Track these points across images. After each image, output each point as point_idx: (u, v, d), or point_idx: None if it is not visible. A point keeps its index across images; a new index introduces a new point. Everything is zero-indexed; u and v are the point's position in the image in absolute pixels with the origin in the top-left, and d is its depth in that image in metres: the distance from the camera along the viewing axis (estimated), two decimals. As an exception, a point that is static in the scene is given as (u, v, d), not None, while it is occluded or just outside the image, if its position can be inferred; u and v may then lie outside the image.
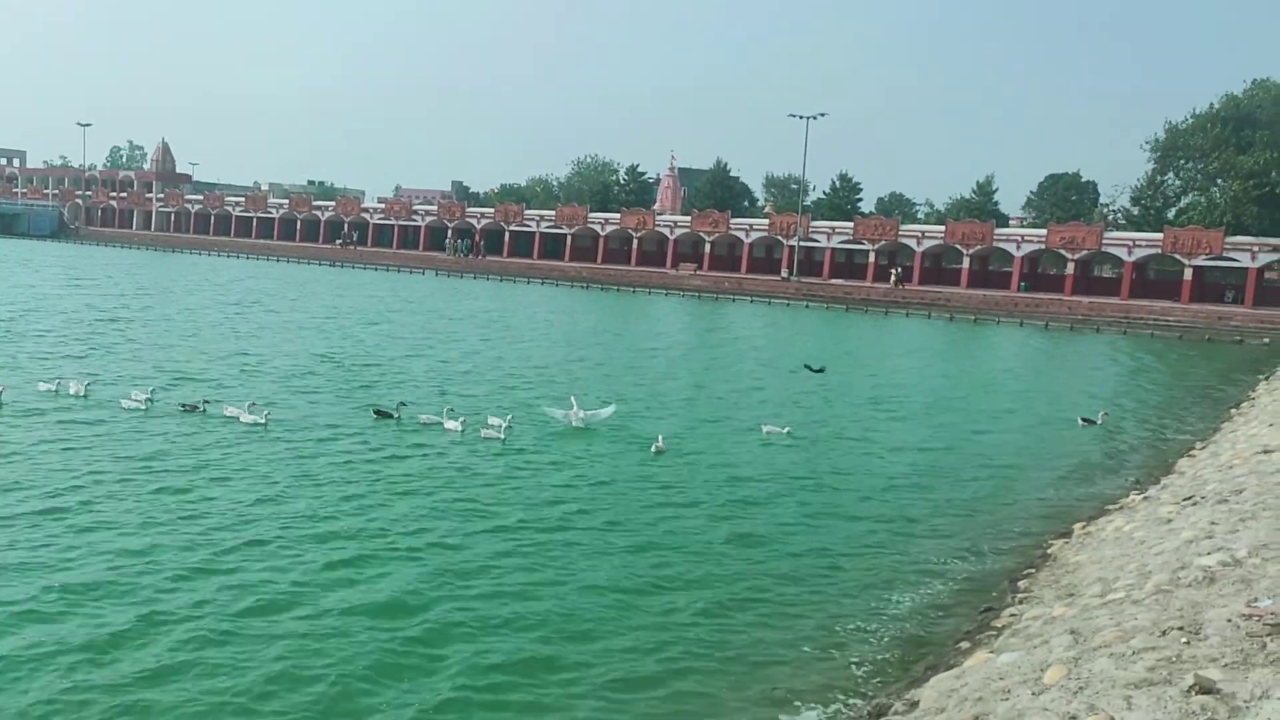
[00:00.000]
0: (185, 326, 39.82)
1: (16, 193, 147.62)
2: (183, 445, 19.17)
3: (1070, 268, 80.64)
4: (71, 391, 22.83)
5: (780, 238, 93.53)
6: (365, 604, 11.94)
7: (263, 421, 20.91)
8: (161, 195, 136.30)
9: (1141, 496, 17.88)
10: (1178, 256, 76.26)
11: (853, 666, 11.13)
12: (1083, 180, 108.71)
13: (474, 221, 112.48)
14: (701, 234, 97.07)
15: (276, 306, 51.69)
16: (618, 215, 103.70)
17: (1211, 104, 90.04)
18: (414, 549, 14.05)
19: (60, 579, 12.10)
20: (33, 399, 22.43)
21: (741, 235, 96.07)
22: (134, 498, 15.62)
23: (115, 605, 11.52)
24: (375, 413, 22.77)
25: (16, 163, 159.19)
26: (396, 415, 22.51)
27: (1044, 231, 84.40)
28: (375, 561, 13.49)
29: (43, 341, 32.72)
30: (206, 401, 22.40)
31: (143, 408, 21.91)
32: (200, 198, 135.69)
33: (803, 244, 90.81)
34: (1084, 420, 27.45)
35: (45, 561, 12.72)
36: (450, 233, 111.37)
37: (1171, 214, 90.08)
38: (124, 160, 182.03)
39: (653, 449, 20.55)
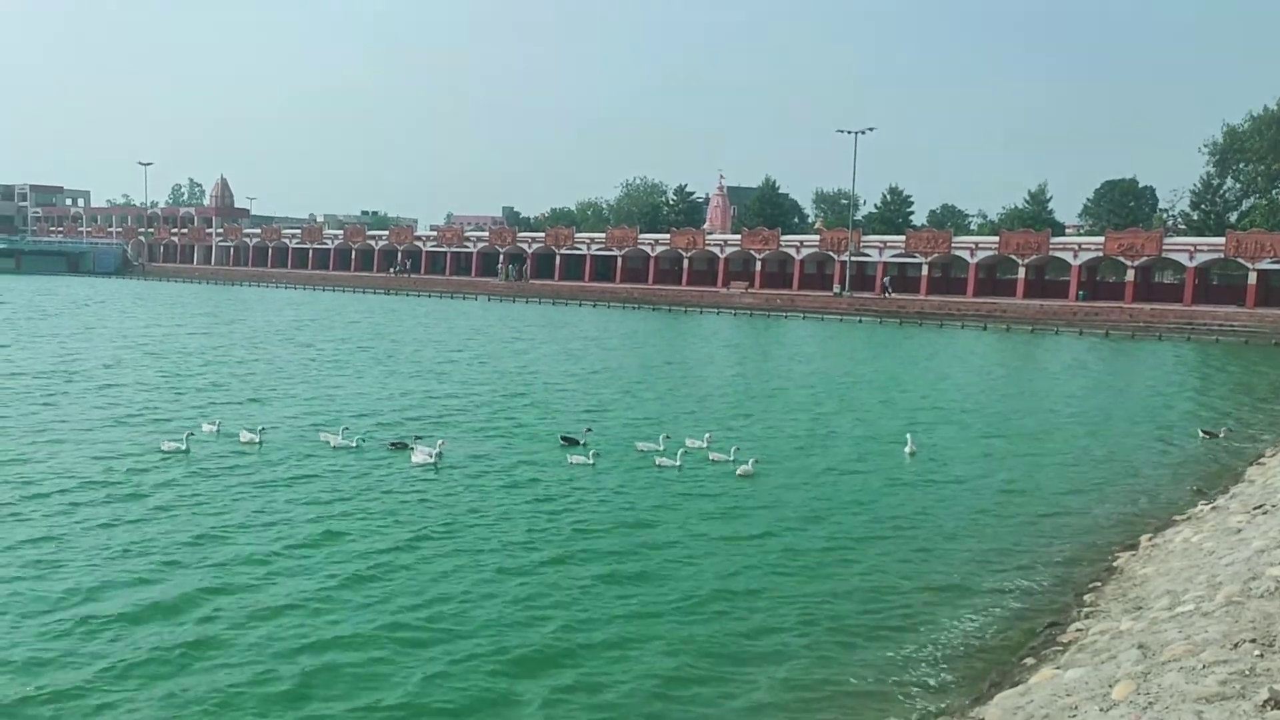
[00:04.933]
0: (336, 365, 38.92)
1: (82, 231, 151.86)
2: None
3: (1130, 275, 79.22)
4: (243, 440, 22.02)
5: (831, 253, 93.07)
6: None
7: (431, 461, 20.35)
8: (221, 230, 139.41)
9: (1210, 506, 17.46)
10: (1241, 261, 74.63)
11: (916, 684, 10.98)
12: (1140, 186, 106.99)
13: (525, 246, 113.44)
14: (752, 252, 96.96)
15: (400, 341, 50.60)
16: (668, 236, 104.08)
17: (1266, 106, 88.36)
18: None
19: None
20: (221, 446, 21.84)
21: (792, 252, 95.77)
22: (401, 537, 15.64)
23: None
24: (562, 439, 23.01)
25: (81, 202, 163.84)
26: (584, 441, 22.65)
27: (1101, 239, 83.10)
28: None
29: (188, 382, 32.54)
30: (418, 438, 22.23)
31: (353, 445, 21.71)
32: (258, 231, 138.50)
33: (854, 259, 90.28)
34: (1205, 433, 26.88)
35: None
36: (502, 258, 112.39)
37: (1233, 218, 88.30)
38: (185, 197, 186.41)
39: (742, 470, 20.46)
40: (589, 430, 23.59)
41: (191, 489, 18.06)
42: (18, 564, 13.79)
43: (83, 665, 10.76)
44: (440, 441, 21.24)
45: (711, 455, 21.57)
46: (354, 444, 21.83)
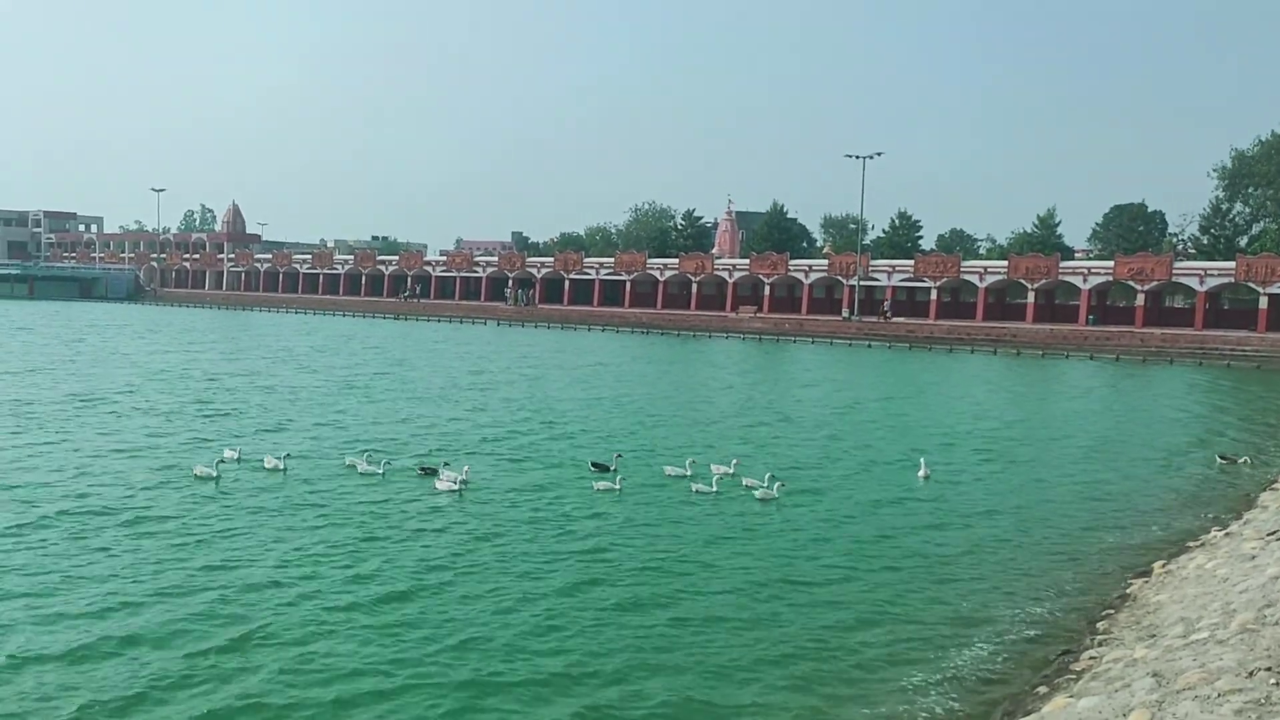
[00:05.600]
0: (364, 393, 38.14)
1: (94, 257, 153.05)
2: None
3: (1140, 299, 79.13)
4: (268, 465, 21.93)
5: (840, 278, 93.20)
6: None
7: (456, 488, 20.14)
8: (232, 255, 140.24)
9: (1223, 532, 17.35)
10: (1251, 285, 74.53)
11: (927, 713, 10.87)
12: (1149, 210, 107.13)
13: (534, 271, 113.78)
14: (760, 276, 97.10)
15: (416, 366, 50.12)
16: (676, 260, 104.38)
17: (1274, 131, 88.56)
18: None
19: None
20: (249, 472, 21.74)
21: (801, 276, 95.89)
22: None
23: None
24: (592, 465, 22.91)
25: (94, 228, 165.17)
26: (613, 467, 22.47)
27: (1111, 263, 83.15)
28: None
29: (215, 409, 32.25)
30: (446, 464, 22.10)
31: (379, 470, 21.60)
32: (269, 256, 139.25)
33: (863, 283, 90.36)
34: (1223, 458, 26.53)
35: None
36: (511, 282, 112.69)
37: (1243, 242, 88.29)
38: (197, 223, 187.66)
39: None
40: (619, 456, 23.46)
41: (221, 518, 17.97)
42: (50, 593, 13.73)
43: (110, 699, 10.66)
44: (465, 468, 21.20)
45: (745, 481, 21.47)
46: (380, 469, 21.80)
